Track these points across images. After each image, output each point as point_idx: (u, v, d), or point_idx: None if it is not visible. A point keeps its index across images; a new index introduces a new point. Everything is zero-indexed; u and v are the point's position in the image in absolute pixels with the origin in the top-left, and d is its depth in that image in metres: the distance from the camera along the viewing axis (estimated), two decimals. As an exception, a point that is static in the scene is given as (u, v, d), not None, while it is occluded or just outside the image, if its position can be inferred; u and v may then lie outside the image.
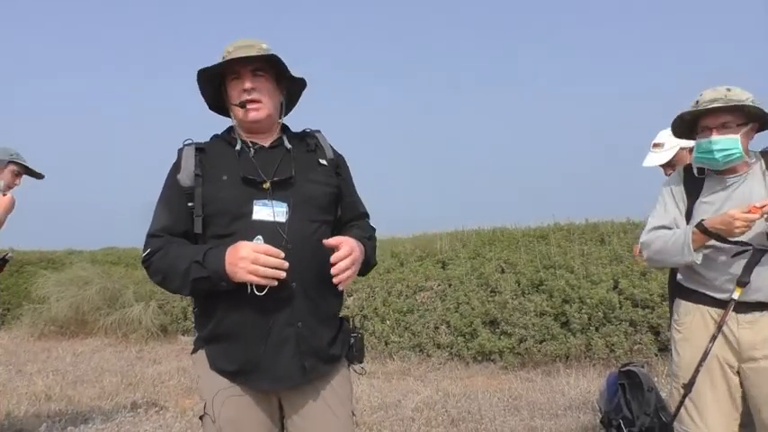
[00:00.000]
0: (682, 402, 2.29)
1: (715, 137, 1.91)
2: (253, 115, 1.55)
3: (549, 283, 5.72)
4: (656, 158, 3.05)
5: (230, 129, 1.66)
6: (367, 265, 1.62)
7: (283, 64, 1.56)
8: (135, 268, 9.96)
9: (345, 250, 1.44)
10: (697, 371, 1.97)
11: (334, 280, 1.43)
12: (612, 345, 5.15)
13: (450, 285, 6.37)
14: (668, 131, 3.10)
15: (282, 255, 1.39)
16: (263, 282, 1.37)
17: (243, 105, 1.53)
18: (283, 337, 1.46)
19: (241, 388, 1.49)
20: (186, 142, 1.58)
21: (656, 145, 3.07)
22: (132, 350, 6.99)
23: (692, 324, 2.03)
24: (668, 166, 3.09)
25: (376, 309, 6.38)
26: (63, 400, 4.55)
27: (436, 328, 5.97)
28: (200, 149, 1.56)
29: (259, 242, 1.42)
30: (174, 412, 4.28)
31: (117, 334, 7.55)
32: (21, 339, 8.01)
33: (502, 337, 5.55)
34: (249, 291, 1.42)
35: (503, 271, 6.32)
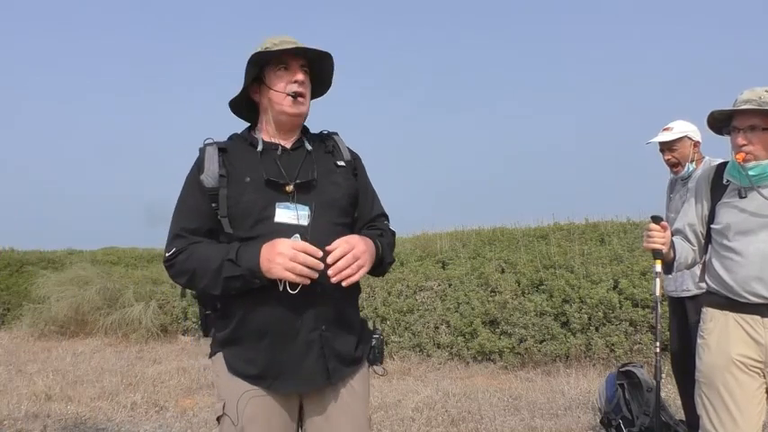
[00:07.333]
0: (658, 403, 2.30)
1: (749, 164, 1.89)
2: (302, 109, 1.54)
3: (549, 282, 5.72)
4: (660, 137, 3.17)
5: (250, 128, 1.63)
6: (381, 264, 1.58)
7: (331, 68, 1.58)
8: (135, 268, 9.96)
9: (341, 249, 1.39)
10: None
11: (332, 279, 1.37)
12: (612, 345, 5.15)
13: (450, 285, 6.37)
14: (681, 121, 3.20)
15: (320, 254, 1.36)
16: (297, 280, 1.35)
17: (295, 96, 1.51)
18: (309, 340, 1.46)
19: (263, 389, 1.48)
20: (207, 141, 1.54)
21: (666, 129, 3.21)
22: (132, 350, 6.99)
23: (716, 329, 1.99)
24: (669, 150, 3.16)
25: (376, 309, 6.38)
26: (63, 400, 4.55)
27: (436, 327, 5.97)
28: (222, 149, 1.52)
29: (297, 240, 1.39)
30: (174, 412, 4.29)
31: (117, 334, 7.55)
32: (21, 339, 8.00)
33: (502, 336, 5.55)
34: (281, 288, 1.39)
35: (503, 271, 6.32)
